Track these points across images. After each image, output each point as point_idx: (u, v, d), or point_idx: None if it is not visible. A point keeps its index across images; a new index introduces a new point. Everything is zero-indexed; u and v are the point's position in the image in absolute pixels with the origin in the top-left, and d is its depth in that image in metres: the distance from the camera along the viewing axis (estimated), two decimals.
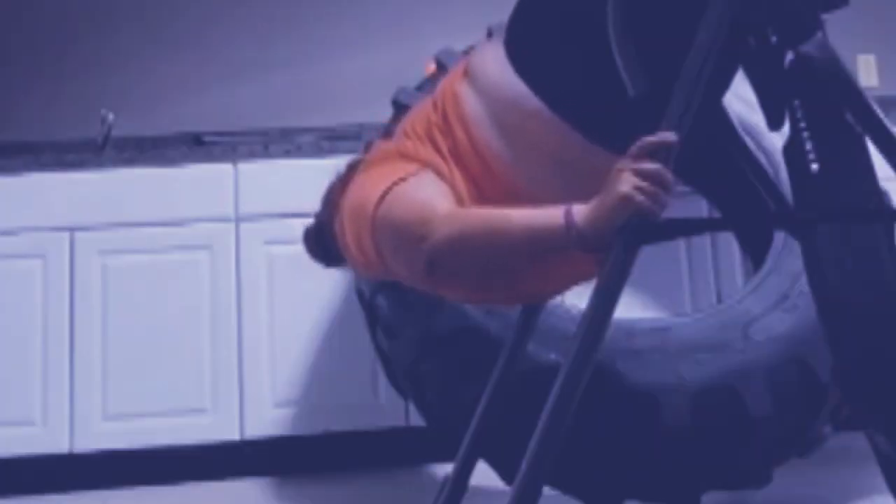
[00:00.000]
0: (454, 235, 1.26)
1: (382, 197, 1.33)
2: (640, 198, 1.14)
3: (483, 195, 1.37)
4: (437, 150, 1.40)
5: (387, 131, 2.07)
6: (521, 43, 1.40)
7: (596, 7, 1.32)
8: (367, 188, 1.39)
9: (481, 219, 1.28)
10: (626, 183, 1.15)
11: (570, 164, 1.36)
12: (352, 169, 1.54)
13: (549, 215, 1.21)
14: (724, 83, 1.43)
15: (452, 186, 1.37)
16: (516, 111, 1.37)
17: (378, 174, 1.40)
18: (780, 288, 1.85)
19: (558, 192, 1.30)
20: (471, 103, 1.40)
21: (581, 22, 1.35)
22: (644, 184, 1.15)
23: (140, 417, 2.58)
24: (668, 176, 1.16)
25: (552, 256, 1.33)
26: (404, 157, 1.41)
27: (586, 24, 1.34)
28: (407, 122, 1.50)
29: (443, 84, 1.50)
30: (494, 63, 1.40)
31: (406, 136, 1.46)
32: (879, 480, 1.28)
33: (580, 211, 1.19)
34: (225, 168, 2.73)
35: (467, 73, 1.44)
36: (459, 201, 1.36)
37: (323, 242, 1.58)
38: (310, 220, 1.64)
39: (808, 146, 1.28)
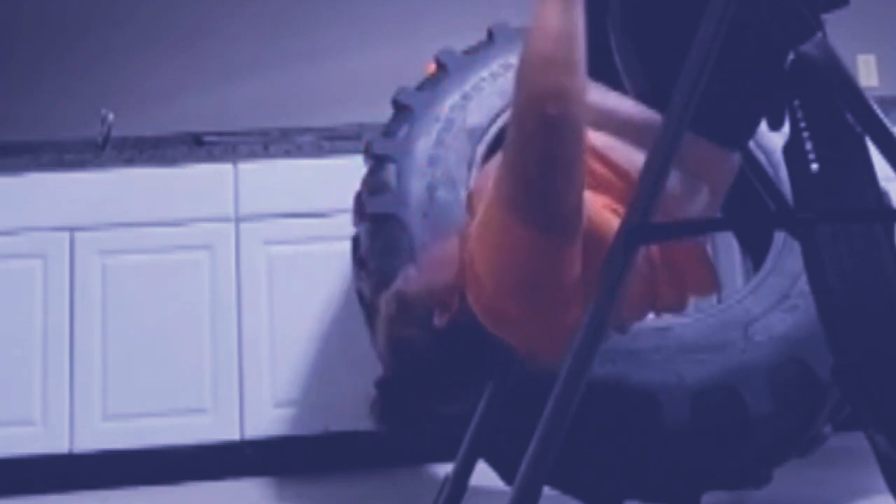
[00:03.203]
0: None
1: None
2: None
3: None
4: None
5: (388, 132, 2.07)
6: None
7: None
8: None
9: None
10: None
11: None
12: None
13: None
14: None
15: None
16: (637, 121, 1.35)
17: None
18: (780, 288, 1.85)
19: None
20: (593, 135, 1.33)
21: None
22: None
23: (140, 417, 2.58)
24: None
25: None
26: None
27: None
28: None
29: None
30: (596, 93, 1.33)
31: None
32: (879, 480, 1.28)
33: None
34: (225, 168, 2.73)
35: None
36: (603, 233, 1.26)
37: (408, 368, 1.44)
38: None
39: (808, 146, 1.29)
